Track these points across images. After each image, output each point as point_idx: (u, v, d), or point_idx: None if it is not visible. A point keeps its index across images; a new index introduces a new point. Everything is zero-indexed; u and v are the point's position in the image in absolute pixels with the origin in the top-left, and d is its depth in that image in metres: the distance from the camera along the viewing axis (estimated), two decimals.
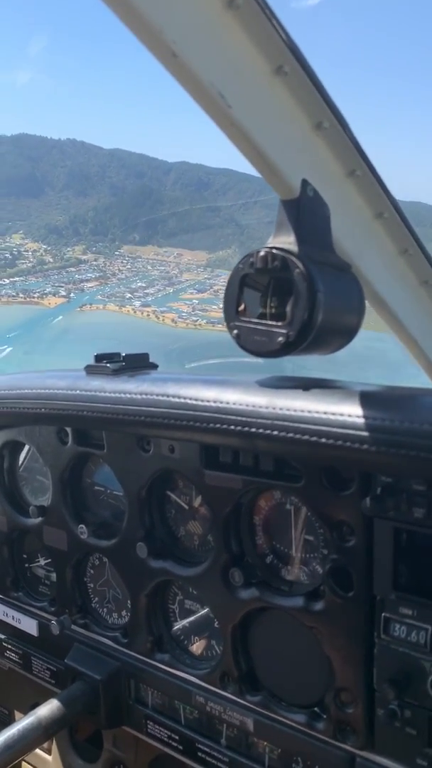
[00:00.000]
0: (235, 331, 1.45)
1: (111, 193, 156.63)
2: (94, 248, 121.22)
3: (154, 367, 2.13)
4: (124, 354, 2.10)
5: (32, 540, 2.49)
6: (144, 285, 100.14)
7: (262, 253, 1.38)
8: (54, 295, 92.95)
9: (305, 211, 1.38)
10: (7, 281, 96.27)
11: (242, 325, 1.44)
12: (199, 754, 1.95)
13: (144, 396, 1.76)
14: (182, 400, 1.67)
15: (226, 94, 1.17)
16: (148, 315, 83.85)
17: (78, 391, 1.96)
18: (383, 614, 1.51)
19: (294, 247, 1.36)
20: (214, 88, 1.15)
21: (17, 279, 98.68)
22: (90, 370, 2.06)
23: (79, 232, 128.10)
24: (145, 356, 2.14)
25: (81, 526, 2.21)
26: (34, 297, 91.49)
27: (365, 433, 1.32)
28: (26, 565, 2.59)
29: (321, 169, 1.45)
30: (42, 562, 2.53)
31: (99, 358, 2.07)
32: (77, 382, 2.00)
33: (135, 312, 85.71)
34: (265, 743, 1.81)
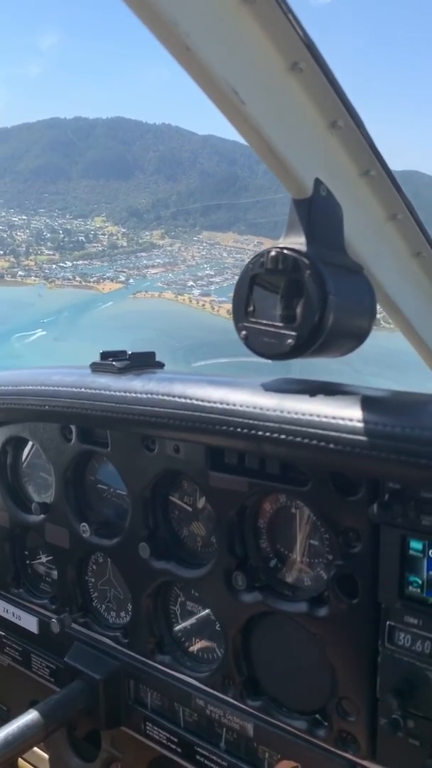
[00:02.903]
0: (244, 332, 1.42)
1: (200, 180, 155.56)
2: (173, 233, 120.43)
3: (161, 366, 2.07)
4: (130, 352, 2.05)
5: (34, 537, 2.46)
6: (212, 273, 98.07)
7: (272, 254, 1.34)
8: (112, 280, 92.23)
9: (317, 211, 1.36)
10: (69, 264, 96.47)
11: (251, 326, 1.40)
12: (198, 757, 1.95)
13: (149, 395, 1.74)
14: (188, 401, 1.64)
15: (240, 90, 1.15)
16: (204, 305, 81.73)
17: (83, 389, 1.93)
18: (388, 622, 1.49)
19: (305, 248, 1.33)
20: (227, 84, 1.13)
21: (81, 262, 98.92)
22: (95, 368, 2.00)
23: (160, 216, 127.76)
24: (152, 355, 2.08)
25: (83, 524, 2.18)
26: (90, 281, 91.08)
27: (374, 440, 1.31)
28: (27, 561, 2.55)
29: (334, 168, 1.43)
30: (43, 559, 2.49)
31: (105, 355, 2.02)
32: (82, 380, 1.97)
33: (191, 301, 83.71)
34: (265, 748, 1.80)
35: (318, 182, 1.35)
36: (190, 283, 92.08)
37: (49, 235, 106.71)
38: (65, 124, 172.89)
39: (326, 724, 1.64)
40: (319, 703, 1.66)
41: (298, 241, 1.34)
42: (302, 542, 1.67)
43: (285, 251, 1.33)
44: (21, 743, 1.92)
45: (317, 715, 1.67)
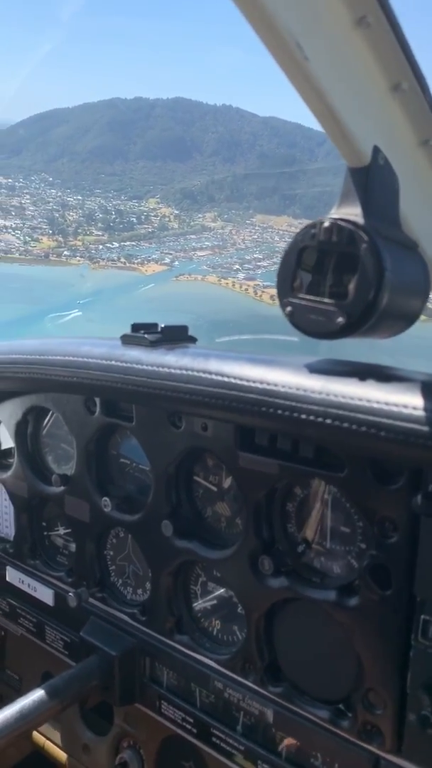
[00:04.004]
0: (289, 308, 1.35)
1: (259, 162, 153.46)
2: (226, 215, 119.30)
3: (193, 340, 2.02)
4: (162, 325, 2.00)
5: (53, 508, 2.46)
6: (260, 257, 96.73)
7: (326, 225, 1.28)
8: (157, 262, 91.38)
9: (375, 182, 1.28)
10: (116, 245, 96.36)
11: (297, 302, 1.33)
12: (214, 739, 1.94)
13: (183, 371, 1.69)
14: (225, 379, 1.58)
15: (304, 44, 1.07)
16: (247, 289, 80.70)
17: (113, 362, 1.88)
18: (423, 616, 1.43)
19: (361, 220, 1.26)
20: (291, 37, 1.04)
21: (129, 243, 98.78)
22: (126, 340, 1.96)
23: (214, 198, 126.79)
24: (184, 329, 2.03)
25: (105, 498, 2.17)
26: (134, 263, 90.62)
27: (430, 429, 1.23)
28: (45, 533, 2.55)
29: (392, 135, 1.35)
30: (61, 531, 2.50)
31: (136, 327, 1.97)
32: (113, 352, 1.92)
33: (234, 285, 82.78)
34: (284, 735, 1.78)
35: (377, 150, 1.26)
36: (236, 266, 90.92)
37: (100, 215, 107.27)
38: (125, 104, 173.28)
39: (350, 715, 1.59)
40: (343, 693, 1.62)
41: (353, 213, 1.25)
42: (333, 529, 1.60)
43: (340, 222, 1.25)
44: (36, 716, 1.92)
45: (341, 705, 1.62)
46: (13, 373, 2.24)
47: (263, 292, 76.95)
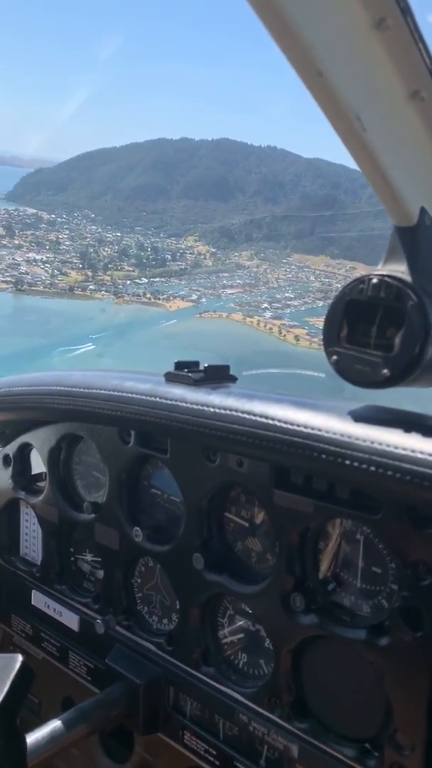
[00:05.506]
0: (335, 357, 1.41)
1: (301, 203, 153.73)
2: (262, 254, 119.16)
3: (234, 380, 2.03)
4: (205, 365, 2.01)
5: (80, 533, 2.46)
6: (291, 296, 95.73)
7: (374, 281, 1.34)
8: (183, 298, 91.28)
9: (421, 241, 1.35)
10: (145, 281, 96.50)
11: (343, 351, 1.40)
12: None
13: (228, 412, 1.71)
14: (269, 421, 1.60)
15: (363, 117, 1.15)
16: (271, 329, 79.58)
17: (158, 398, 1.91)
18: None
19: (408, 277, 1.32)
20: (352, 111, 1.13)
21: (158, 280, 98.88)
22: (170, 378, 1.98)
23: (251, 237, 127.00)
24: (226, 368, 2.04)
25: (136, 528, 2.16)
26: (159, 299, 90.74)
27: None
28: (72, 558, 2.54)
29: None
30: (89, 557, 2.50)
31: (179, 365, 1.99)
32: (157, 389, 1.94)
33: (258, 324, 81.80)
34: None
35: (423, 211, 1.33)
36: (265, 305, 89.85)
37: (135, 251, 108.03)
38: (171, 144, 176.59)
39: (377, 754, 1.57)
40: (370, 732, 1.59)
41: (399, 270, 1.32)
42: (365, 569, 1.60)
43: (387, 279, 1.31)
44: (66, 739, 1.93)
45: (367, 744, 1.60)
46: (57, 405, 2.23)
47: (288, 331, 75.58)
